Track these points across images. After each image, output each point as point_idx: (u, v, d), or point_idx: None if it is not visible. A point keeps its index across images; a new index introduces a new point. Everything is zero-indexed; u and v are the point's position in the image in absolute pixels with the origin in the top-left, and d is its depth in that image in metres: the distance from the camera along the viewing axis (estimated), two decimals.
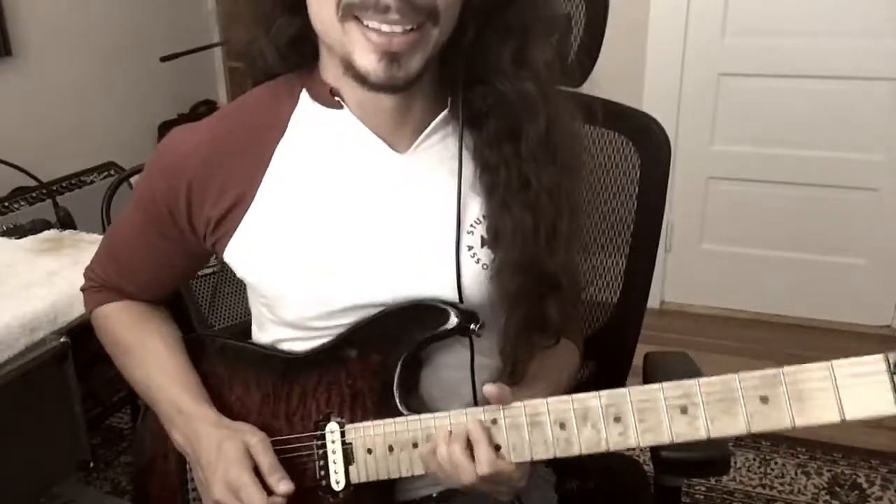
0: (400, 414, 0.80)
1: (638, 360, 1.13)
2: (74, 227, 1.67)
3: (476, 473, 0.72)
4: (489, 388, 0.73)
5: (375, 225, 0.82)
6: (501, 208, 0.80)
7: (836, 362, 0.63)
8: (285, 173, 0.83)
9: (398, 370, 0.81)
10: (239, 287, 1.39)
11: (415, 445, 0.77)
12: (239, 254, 0.84)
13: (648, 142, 1.09)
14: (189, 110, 2.84)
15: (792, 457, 2.05)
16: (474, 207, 0.83)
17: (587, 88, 0.96)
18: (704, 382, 0.66)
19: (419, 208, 0.82)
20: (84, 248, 1.46)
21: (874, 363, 0.61)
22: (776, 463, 2.02)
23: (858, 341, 2.58)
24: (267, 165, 0.83)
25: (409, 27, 0.72)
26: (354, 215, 0.82)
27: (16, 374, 1.16)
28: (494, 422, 0.74)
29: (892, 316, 2.62)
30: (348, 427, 0.82)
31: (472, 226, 0.82)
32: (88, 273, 1.00)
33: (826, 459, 2.03)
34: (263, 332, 0.92)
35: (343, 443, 0.82)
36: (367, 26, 0.72)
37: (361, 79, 0.75)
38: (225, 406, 0.89)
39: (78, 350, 1.24)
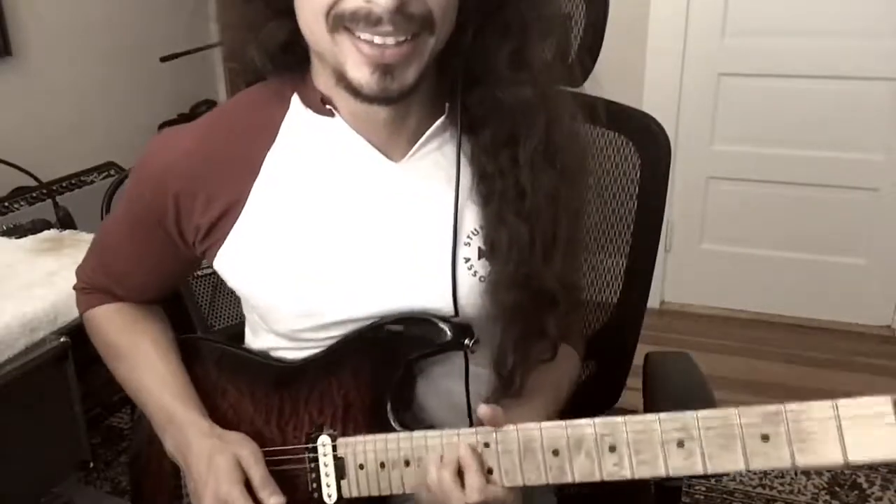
0: (392, 429, 0.78)
1: (638, 360, 1.13)
2: (74, 227, 1.68)
3: (465, 501, 0.70)
4: (483, 410, 0.71)
5: (368, 236, 0.80)
6: (497, 219, 0.78)
7: (840, 402, 0.60)
8: (276, 181, 0.80)
9: (391, 386, 0.79)
10: None
11: (406, 463, 0.76)
12: (229, 263, 0.82)
13: (648, 142, 1.08)
14: (189, 110, 2.84)
15: None
16: (472, 217, 0.80)
17: (587, 88, 0.96)
18: (703, 416, 0.64)
19: (414, 218, 0.80)
20: (84, 248, 1.44)
21: (881, 405, 0.58)
22: None
23: (858, 341, 2.58)
24: (257, 173, 0.80)
25: (402, 38, 0.69)
26: (347, 226, 0.80)
27: (16, 374, 1.16)
28: (487, 445, 0.72)
29: (892, 316, 2.62)
30: (340, 441, 0.80)
31: (469, 237, 0.80)
32: (80, 273, 0.98)
33: None
34: (256, 338, 0.91)
35: (335, 457, 0.80)
36: (359, 38, 0.69)
37: (354, 91, 0.72)
38: (217, 412, 0.88)
39: (78, 350, 1.24)
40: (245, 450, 0.81)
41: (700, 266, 2.77)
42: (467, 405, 0.82)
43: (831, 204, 2.56)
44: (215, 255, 0.82)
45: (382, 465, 0.77)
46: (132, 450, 1.04)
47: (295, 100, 0.82)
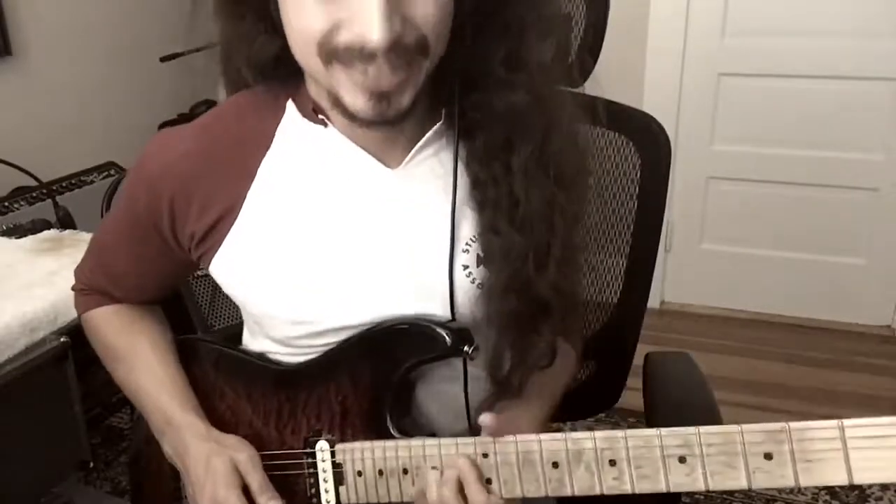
0: (391, 435, 0.77)
1: (638, 360, 1.13)
2: (74, 227, 1.68)
3: None
4: (484, 419, 0.71)
5: (364, 243, 0.79)
6: (490, 227, 0.77)
7: (846, 422, 0.58)
8: (271, 188, 0.79)
9: (389, 391, 0.79)
10: None
11: (405, 472, 0.75)
12: (224, 269, 0.81)
13: (648, 142, 1.08)
14: (189, 110, 2.84)
15: None
16: (470, 224, 0.79)
17: (587, 88, 0.96)
18: (705, 432, 0.63)
19: (411, 225, 0.79)
20: (84, 248, 1.44)
21: (887, 425, 0.57)
22: None
23: (858, 341, 2.58)
24: (252, 179, 0.79)
25: (397, 67, 0.67)
26: (342, 233, 0.78)
27: (16, 374, 1.16)
28: (486, 455, 0.71)
29: (892, 316, 2.62)
30: (338, 447, 0.79)
31: (468, 244, 0.79)
32: (78, 274, 0.98)
33: None
34: (254, 340, 0.90)
35: (333, 462, 0.80)
36: (354, 67, 0.68)
37: (350, 115, 0.71)
38: (215, 414, 0.87)
39: (78, 350, 1.24)
40: (243, 454, 0.80)
41: (700, 266, 2.77)
42: (466, 411, 0.82)
43: (831, 204, 2.56)
44: (210, 261, 0.82)
45: (381, 472, 0.76)
46: (132, 450, 1.05)
47: (290, 106, 0.81)
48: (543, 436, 0.70)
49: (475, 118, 0.77)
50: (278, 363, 0.86)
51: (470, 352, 0.75)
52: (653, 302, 2.75)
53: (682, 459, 0.64)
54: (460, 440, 0.73)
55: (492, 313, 0.78)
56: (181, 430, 0.84)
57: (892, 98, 2.40)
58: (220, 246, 0.80)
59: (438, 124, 0.78)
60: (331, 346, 0.81)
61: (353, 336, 0.80)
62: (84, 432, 1.32)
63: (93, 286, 0.96)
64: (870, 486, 1.93)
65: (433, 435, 0.80)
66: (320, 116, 0.78)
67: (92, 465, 1.36)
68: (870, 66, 2.38)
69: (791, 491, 1.93)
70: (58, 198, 1.84)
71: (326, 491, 0.80)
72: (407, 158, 0.79)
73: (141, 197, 0.83)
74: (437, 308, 0.78)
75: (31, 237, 1.53)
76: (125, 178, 0.89)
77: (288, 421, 0.84)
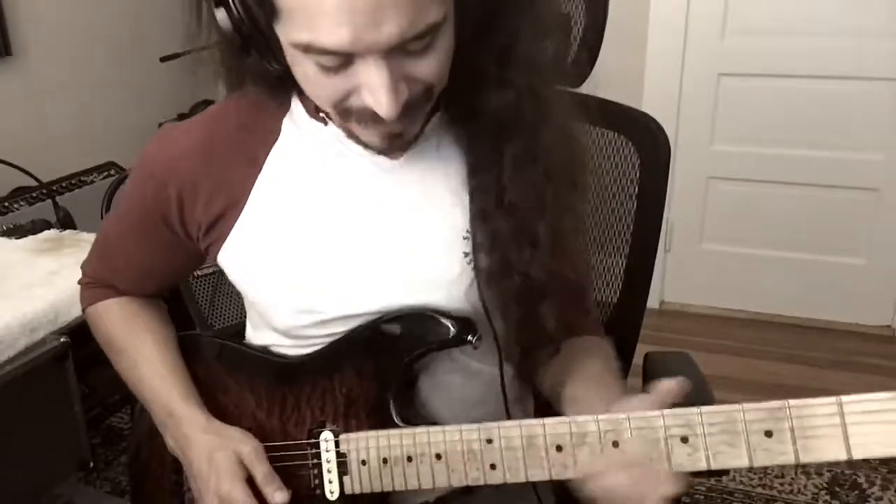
0: (395, 425, 0.78)
1: (638, 360, 1.13)
2: (74, 227, 1.68)
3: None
4: (667, 385, 0.68)
5: (368, 232, 0.80)
6: (481, 213, 0.79)
7: (845, 398, 0.59)
8: (278, 178, 0.81)
9: (394, 381, 0.80)
10: None
11: (409, 459, 0.76)
12: (232, 259, 0.83)
13: (648, 142, 1.09)
14: (189, 110, 2.84)
15: None
16: (468, 212, 0.80)
17: (587, 89, 0.96)
18: (707, 412, 0.64)
19: (413, 214, 0.80)
20: (84, 248, 1.45)
21: (884, 401, 0.58)
22: None
23: (858, 341, 2.58)
24: (260, 170, 0.81)
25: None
26: (346, 223, 0.80)
27: (16, 374, 1.16)
28: (490, 441, 0.72)
29: (892, 316, 2.62)
30: (342, 437, 0.80)
31: (468, 231, 0.80)
32: (84, 267, 0.99)
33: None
34: (257, 334, 0.91)
35: (337, 453, 0.80)
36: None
37: (364, 146, 0.75)
38: (219, 408, 0.88)
39: (78, 350, 1.24)
40: (247, 446, 0.81)
41: (700, 266, 2.77)
42: (504, 400, 0.83)
43: (831, 204, 2.56)
44: (219, 250, 0.83)
45: (385, 461, 0.77)
46: (131, 446, 1.05)
47: (295, 101, 0.82)
48: (547, 420, 0.70)
49: (471, 111, 0.78)
50: (282, 356, 0.87)
51: (473, 340, 0.77)
52: (652, 302, 2.75)
53: (684, 439, 0.65)
54: (464, 427, 0.74)
55: (493, 298, 0.79)
56: (182, 423, 0.85)
57: (892, 98, 2.40)
58: (228, 235, 0.82)
59: (437, 115, 0.80)
60: (335, 337, 0.82)
61: (357, 327, 0.81)
62: (84, 432, 1.32)
63: (98, 279, 0.97)
64: (870, 486, 1.93)
65: None
66: (321, 115, 0.79)
67: (92, 465, 1.36)
68: (870, 66, 2.38)
69: (791, 491, 1.93)
70: (58, 198, 1.84)
71: (330, 481, 0.81)
72: (408, 150, 0.80)
73: (149, 189, 0.84)
74: (442, 296, 0.79)
75: (31, 237, 1.53)
76: (132, 171, 0.89)
77: (291, 413, 0.85)
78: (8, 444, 1.20)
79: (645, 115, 1.11)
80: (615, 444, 0.67)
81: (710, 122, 2.60)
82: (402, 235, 0.80)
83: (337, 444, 0.81)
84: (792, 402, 0.62)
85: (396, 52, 0.64)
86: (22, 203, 2.03)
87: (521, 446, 0.71)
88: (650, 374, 1.08)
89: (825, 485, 1.95)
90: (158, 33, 2.63)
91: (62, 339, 1.23)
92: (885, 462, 2.01)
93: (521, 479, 0.72)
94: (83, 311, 0.99)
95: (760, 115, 2.54)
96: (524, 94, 0.75)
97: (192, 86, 2.85)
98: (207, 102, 2.95)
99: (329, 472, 0.81)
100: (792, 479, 1.97)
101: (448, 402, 0.85)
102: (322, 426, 0.82)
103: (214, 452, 0.81)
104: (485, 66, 0.74)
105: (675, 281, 2.80)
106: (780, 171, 2.57)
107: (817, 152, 2.52)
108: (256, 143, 0.82)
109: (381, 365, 0.80)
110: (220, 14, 0.68)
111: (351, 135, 0.75)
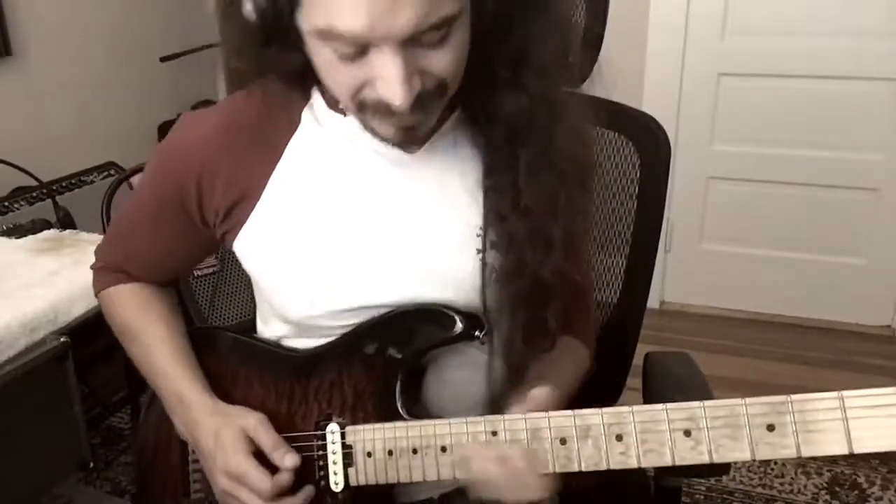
0: (401, 418, 0.79)
1: (638, 360, 1.13)
2: (74, 227, 1.68)
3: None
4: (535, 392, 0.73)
5: (383, 225, 0.81)
6: (497, 213, 0.80)
7: (846, 393, 0.60)
8: (296, 169, 0.82)
9: (401, 374, 0.81)
10: (239, 287, 1.40)
11: (414, 452, 0.77)
12: (247, 247, 0.84)
13: (648, 142, 1.09)
14: (189, 110, 2.85)
15: None
16: (482, 210, 0.82)
17: (587, 89, 0.96)
18: (710, 405, 0.65)
19: (427, 210, 0.82)
20: (84, 248, 1.46)
21: (887, 396, 0.59)
22: (776, 463, 2.02)
23: (858, 341, 2.58)
24: (279, 159, 0.82)
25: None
26: (362, 215, 0.81)
27: (16, 374, 1.16)
28: (494, 433, 0.73)
29: (892, 316, 2.62)
30: (349, 429, 0.81)
31: (481, 229, 0.81)
32: (98, 252, 1.00)
33: (826, 459, 2.03)
34: (267, 327, 0.93)
35: (343, 445, 0.81)
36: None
37: (380, 138, 0.76)
38: (229, 400, 0.89)
39: (78, 350, 1.24)
40: (251, 419, 0.82)
41: (700, 266, 2.77)
42: (489, 391, 0.84)
43: (831, 204, 2.56)
44: (235, 237, 0.84)
45: (390, 453, 0.78)
46: (137, 444, 1.05)
47: (316, 93, 0.83)
48: (552, 413, 0.71)
49: (488, 110, 0.79)
50: (292, 350, 0.88)
51: (481, 336, 0.78)
52: (653, 302, 2.76)
53: (687, 433, 0.66)
54: (469, 419, 0.75)
55: (503, 297, 0.80)
56: (191, 408, 0.87)
57: (892, 98, 2.40)
58: (244, 223, 0.83)
59: (456, 113, 0.81)
60: (347, 329, 0.83)
61: (366, 321, 0.82)
62: (84, 432, 1.33)
63: (112, 264, 0.98)
64: (870, 486, 1.93)
65: None
66: (340, 106, 0.80)
67: (92, 465, 1.36)
68: (870, 66, 2.38)
69: (791, 491, 1.93)
70: (58, 198, 1.85)
71: (335, 473, 0.81)
72: (425, 146, 0.81)
73: (169, 175, 0.86)
74: (452, 292, 0.81)
75: (31, 237, 1.53)
76: (150, 158, 0.90)
77: (299, 406, 0.86)
78: (8, 444, 1.20)
79: (645, 114, 1.11)
80: (619, 437, 0.68)
81: (710, 122, 2.60)
82: (416, 230, 0.81)
83: (343, 436, 0.81)
84: (794, 396, 0.62)
85: (411, 44, 0.66)
86: (22, 203, 2.03)
87: (525, 438, 0.72)
88: (650, 374, 1.08)
89: (825, 485, 1.95)
90: (158, 33, 2.64)
91: (62, 339, 1.23)
92: (885, 462, 2.01)
93: None
94: (95, 294, 1.00)
95: (760, 115, 2.54)
96: (538, 100, 0.77)
97: (193, 86, 2.85)
98: (207, 102, 2.95)
99: (334, 463, 0.81)
100: (792, 478, 1.97)
101: (455, 397, 0.85)
102: (329, 419, 0.83)
103: (219, 431, 0.82)
104: (499, 70, 0.75)
105: (675, 281, 2.80)
106: (780, 171, 2.57)
107: (817, 152, 2.52)
108: (276, 132, 0.83)
109: (389, 359, 0.81)
110: (248, 6, 0.70)
111: (367, 127, 0.75)
